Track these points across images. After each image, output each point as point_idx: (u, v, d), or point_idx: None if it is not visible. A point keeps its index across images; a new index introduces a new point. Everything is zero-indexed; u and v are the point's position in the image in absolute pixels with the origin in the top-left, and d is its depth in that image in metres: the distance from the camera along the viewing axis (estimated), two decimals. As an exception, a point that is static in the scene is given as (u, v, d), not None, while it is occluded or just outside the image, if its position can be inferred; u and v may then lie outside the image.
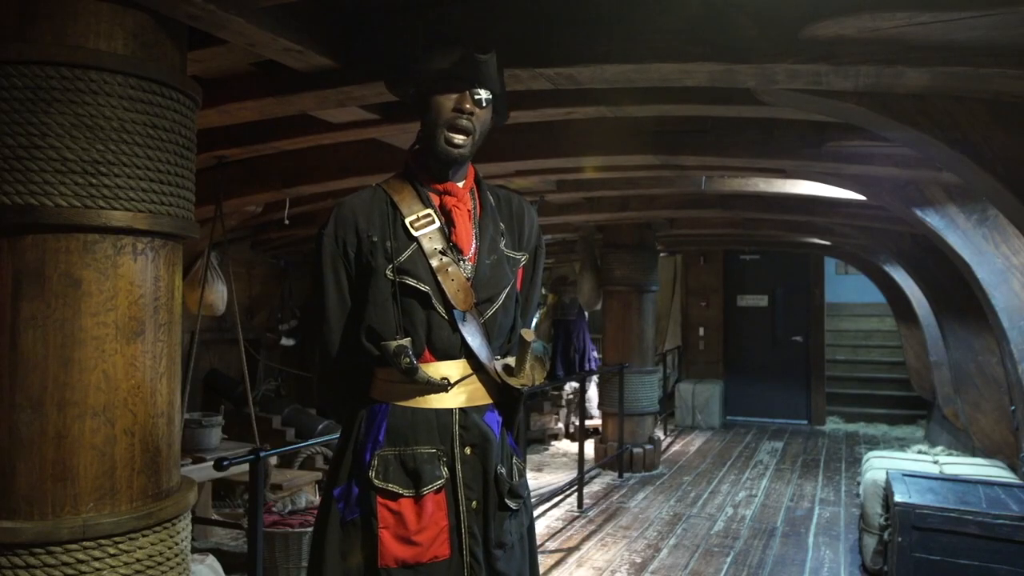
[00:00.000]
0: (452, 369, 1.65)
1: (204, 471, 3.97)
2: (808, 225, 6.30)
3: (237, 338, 4.36)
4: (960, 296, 4.74)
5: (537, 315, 9.63)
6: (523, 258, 1.79)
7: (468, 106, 1.63)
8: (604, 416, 7.16)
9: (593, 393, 8.26)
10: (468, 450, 1.64)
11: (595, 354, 8.95)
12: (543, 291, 10.00)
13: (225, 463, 2.59)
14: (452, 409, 1.64)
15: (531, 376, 1.68)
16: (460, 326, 1.63)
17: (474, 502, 1.64)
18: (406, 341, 1.59)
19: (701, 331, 10.14)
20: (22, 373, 1.67)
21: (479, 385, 1.68)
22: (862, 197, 4.10)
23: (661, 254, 8.72)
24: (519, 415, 1.79)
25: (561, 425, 8.57)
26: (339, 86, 2.44)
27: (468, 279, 1.65)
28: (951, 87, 2.13)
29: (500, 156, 3.65)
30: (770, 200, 5.42)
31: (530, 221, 1.83)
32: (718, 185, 5.03)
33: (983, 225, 3.62)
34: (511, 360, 1.69)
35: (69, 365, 1.69)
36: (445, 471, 1.62)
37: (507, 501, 1.67)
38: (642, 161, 3.84)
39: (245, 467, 2.73)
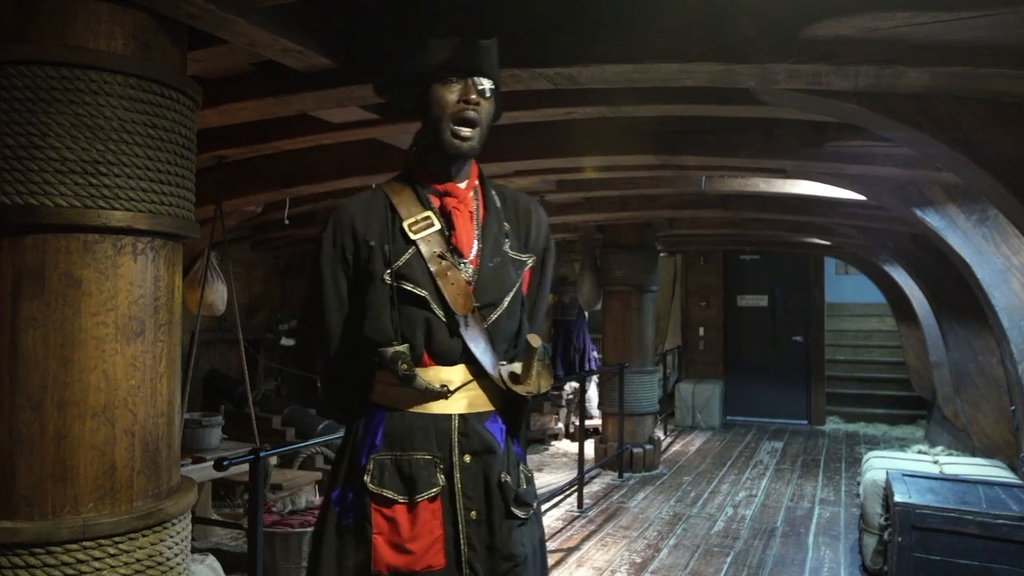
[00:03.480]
0: (452, 375, 1.61)
1: (204, 471, 3.97)
2: (808, 225, 6.30)
3: (237, 338, 4.35)
4: (960, 296, 4.74)
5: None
6: (529, 260, 1.72)
7: (473, 96, 1.58)
8: (604, 416, 7.16)
9: (593, 393, 8.26)
10: (468, 458, 1.59)
11: (595, 354, 8.95)
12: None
13: (225, 463, 2.59)
14: (451, 415, 1.60)
15: (537, 383, 1.62)
16: (462, 331, 1.59)
17: (474, 512, 1.58)
18: (403, 347, 1.56)
19: (701, 331, 10.13)
20: (22, 373, 1.67)
21: (481, 391, 1.62)
22: (862, 197, 4.10)
23: (661, 254, 8.72)
24: (525, 422, 1.74)
25: (561, 425, 8.57)
26: (339, 86, 2.44)
27: (469, 283, 1.61)
28: (951, 87, 2.13)
29: (500, 156, 3.65)
30: (770, 200, 5.42)
31: (537, 221, 1.76)
32: (718, 185, 5.03)
33: (983, 225, 3.62)
34: (517, 366, 1.63)
35: (69, 365, 1.69)
36: (442, 479, 1.57)
37: (514, 509, 1.61)
38: (642, 161, 3.84)
39: (245, 467, 2.73)
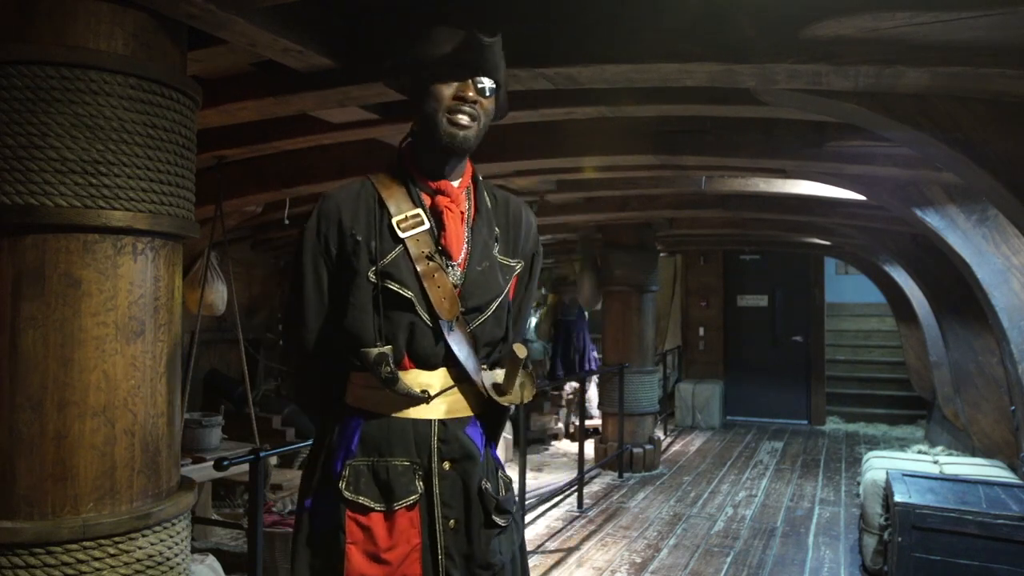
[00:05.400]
0: (433, 379, 1.55)
1: (204, 471, 3.96)
2: (808, 225, 6.30)
3: (237, 338, 4.35)
4: (960, 296, 4.74)
5: (537, 315, 9.64)
6: (518, 266, 1.68)
7: (471, 94, 1.51)
8: (604, 416, 7.16)
9: (593, 393, 8.26)
10: (447, 465, 1.53)
11: (595, 354, 8.95)
12: (542, 291, 10.02)
13: (225, 463, 2.59)
14: (431, 420, 1.54)
15: (520, 394, 1.58)
16: (446, 335, 1.53)
17: (452, 520, 1.52)
18: (387, 349, 1.49)
19: (701, 331, 10.14)
20: (22, 373, 1.67)
21: (461, 396, 1.57)
22: (862, 197, 4.11)
23: (661, 254, 8.72)
24: (503, 428, 1.71)
25: (561, 425, 8.57)
26: (339, 86, 2.44)
27: (456, 286, 1.55)
28: (951, 87, 2.13)
29: (500, 156, 3.64)
30: (770, 200, 5.42)
31: (527, 226, 1.72)
32: (718, 185, 5.03)
33: (983, 225, 3.62)
34: (500, 375, 1.58)
35: (69, 365, 1.69)
36: (420, 486, 1.51)
37: (495, 518, 1.56)
38: (642, 161, 3.84)
39: (245, 467, 2.73)
